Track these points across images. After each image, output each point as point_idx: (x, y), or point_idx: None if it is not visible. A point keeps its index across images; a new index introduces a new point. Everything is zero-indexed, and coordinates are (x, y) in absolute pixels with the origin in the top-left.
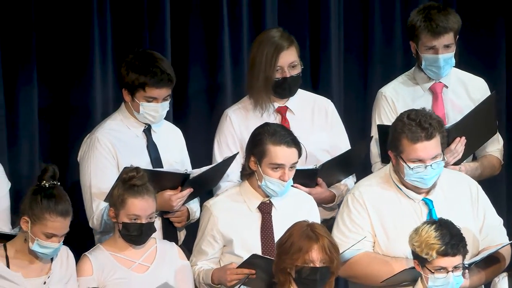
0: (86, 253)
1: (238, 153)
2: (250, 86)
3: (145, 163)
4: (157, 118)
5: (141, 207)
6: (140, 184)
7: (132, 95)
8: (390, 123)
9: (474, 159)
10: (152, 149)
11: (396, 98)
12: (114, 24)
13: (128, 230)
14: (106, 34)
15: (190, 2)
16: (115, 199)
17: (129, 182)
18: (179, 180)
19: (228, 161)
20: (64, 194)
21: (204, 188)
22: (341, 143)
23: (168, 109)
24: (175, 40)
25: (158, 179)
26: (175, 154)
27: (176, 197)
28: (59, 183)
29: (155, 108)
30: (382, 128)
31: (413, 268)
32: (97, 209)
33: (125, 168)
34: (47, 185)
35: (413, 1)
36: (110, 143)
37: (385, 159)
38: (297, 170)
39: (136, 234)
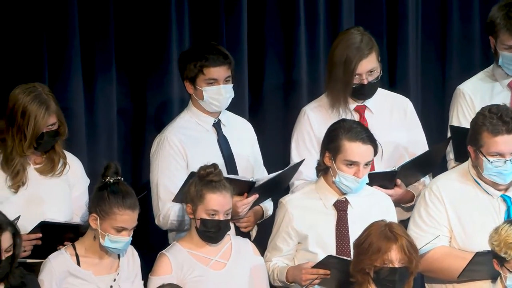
0: (163, 251)
1: (304, 160)
2: (328, 86)
3: (217, 158)
4: (222, 101)
5: (219, 202)
6: (217, 180)
7: (194, 83)
8: (467, 120)
9: None
10: (223, 143)
11: (474, 95)
12: (192, 22)
13: (206, 227)
14: (184, 32)
15: None
16: (192, 195)
17: (206, 178)
18: (246, 187)
19: (294, 168)
20: (129, 188)
21: (272, 192)
22: (418, 142)
23: (232, 94)
24: (251, 37)
25: None
26: (247, 148)
27: (241, 203)
28: (122, 178)
29: (218, 91)
30: (454, 129)
31: (487, 252)
32: (163, 208)
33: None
34: (111, 180)
35: None
36: (179, 142)
37: (458, 158)
38: (376, 173)
39: (214, 231)
